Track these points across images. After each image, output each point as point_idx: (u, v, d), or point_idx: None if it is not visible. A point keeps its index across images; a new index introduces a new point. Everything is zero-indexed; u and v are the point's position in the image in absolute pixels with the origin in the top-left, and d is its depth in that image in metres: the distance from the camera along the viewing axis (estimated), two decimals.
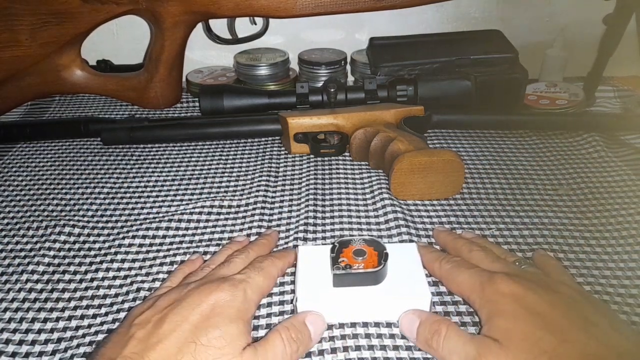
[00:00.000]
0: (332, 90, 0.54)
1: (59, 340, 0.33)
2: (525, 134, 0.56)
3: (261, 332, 0.33)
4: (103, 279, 0.38)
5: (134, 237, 0.42)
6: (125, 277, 0.38)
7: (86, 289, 0.37)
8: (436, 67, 0.59)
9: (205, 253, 0.40)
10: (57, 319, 0.34)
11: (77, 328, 0.34)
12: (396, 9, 0.59)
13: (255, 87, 0.66)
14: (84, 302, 0.36)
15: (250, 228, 0.43)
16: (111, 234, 0.42)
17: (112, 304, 0.36)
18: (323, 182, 0.49)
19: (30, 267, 0.39)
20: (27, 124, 0.58)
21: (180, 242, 0.41)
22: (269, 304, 0.35)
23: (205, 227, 0.43)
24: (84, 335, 0.33)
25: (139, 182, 0.50)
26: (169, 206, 0.46)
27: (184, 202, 0.46)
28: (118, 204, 0.46)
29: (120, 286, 0.37)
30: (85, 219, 0.44)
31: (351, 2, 0.56)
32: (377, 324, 0.33)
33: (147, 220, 0.44)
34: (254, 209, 0.45)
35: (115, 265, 0.39)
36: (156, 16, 0.57)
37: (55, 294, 0.37)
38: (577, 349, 0.26)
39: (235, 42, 0.65)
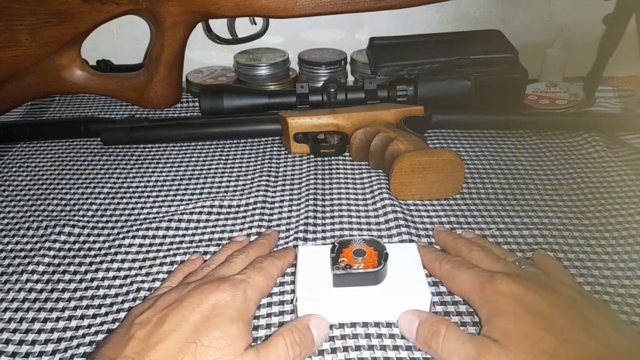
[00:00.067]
0: (332, 90, 0.54)
1: (59, 340, 0.33)
2: (525, 134, 0.56)
3: (261, 332, 0.33)
4: (103, 279, 0.38)
5: (134, 237, 0.42)
6: (125, 277, 0.38)
7: (86, 289, 0.37)
8: (436, 67, 0.59)
9: (205, 253, 0.40)
10: (57, 319, 0.34)
11: (77, 328, 0.34)
12: (396, 9, 0.59)
13: (255, 87, 0.66)
14: (84, 302, 0.36)
15: (250, 228, 0.43)
16: (111, 234, 0.42)
17: (112, 304, 0.36)
18: (323, 182, 0.49)
19: (30, 267, 0.39)
20: (27, 124, 0.58)
21: (180, 242, 0.41)
22: (269, 304, 0.35)
23: (205, 227, 0.43)
24: (84, 335, 0.33)
25: (139, 182, 0.50)
26: (169, 206, 0.46)
27: (184, 202, 0.46)
28: (118, 204, 0.46)
29: (120, 286, 0.37)
30: (85, 219, 0.44)
31: (351, 2, 0.56)
32: (377, 324, 0.33)
33: (147, 220, 0.44)
34: (254, 209, 0.45)
35: (115, 265, 0.39)
36: (156, 16, 0.57)
37: (55, 294, 0.37)
38: (577, 349, 0.26)
39: (235, 42, 0.65)
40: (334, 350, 0.31)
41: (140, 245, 0.41)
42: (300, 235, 0.41)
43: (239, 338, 0.29)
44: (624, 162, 0.50)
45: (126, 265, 0.39)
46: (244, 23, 0.63)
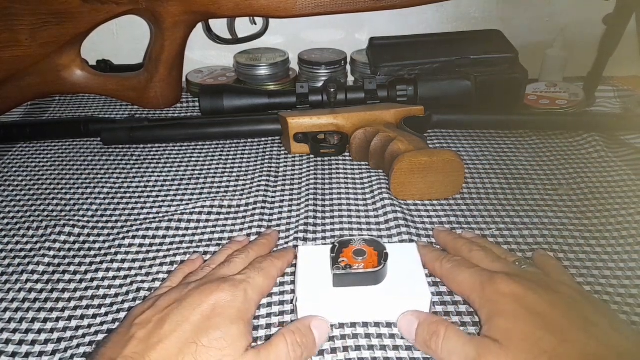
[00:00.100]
0: (332, 90, 0.54)
1: (59, 340, 0.33)
2: (525, 134, 0.56)
3: (261, 332, 0.33)
4: (103, 279, 0.38)
5: (134, 237, 0.42)
6: (125, 277, 0.38)
7: (86, 289, 0.37)
8: (436, 67, 0.59)
9: (205, 253, 0.40)
10: (57, 319, 0.34)
11: (77, 328, 0.34)
12: (396, 9, 0.59)
13: (255, 87, 0.66)
14: (84, 302, 0.36)
15: (250, 228, 0.43)
16: (111, 234, 0.42)
17: (112, 304, 0.36)
18: (323, 182, 0.49)
19: (30, 267, 0.39)
20: (27, 124, 0.58)
21: (180, 242, 0.41)
22: (269, 304, 0.35)
23: (205, 227, 0.43)
24: (84, 335, 0.33)
25: (139, 182, 0.50)
26: (169, 206, 0.46)
27: (184, 202, 0.46)
28: (118, 204, 0.46)
29: (120, 286, 0.37)
30: (85, 219, 0.44)
31: (351, 2, 0.56)
32: (377, 324, 0.33)
33: (147, 220, 0.44)
34: (254, 209, 0.45)
35: (115, 265, 0.39)
36: (156, 16, 0.57)
37: (55, 294, 0.37)
38: (577, 349, 0.26)
39: (235, 42, 0.65)
40: (334, 350, 0.31)
41: (140, 245, 0.41)
42: (300, 235, 0.41)
43: (239, 338, 0.29)
44: (624, 162, 0.50)
45: (126, 265, 0.39)
46: (244, 23, 0.63)
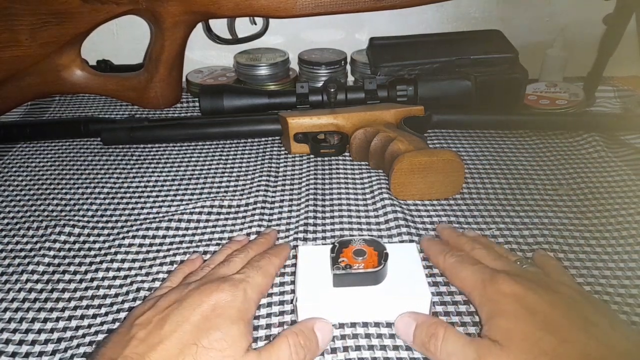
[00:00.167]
0: (332, 90, 0.54)
1: (59, 340, 0.33)
2: (525, 134, 0.56)
3: (261, 332, 0.33)
4: (103, 279, 0.38)
5: (134, 237, 0.42)
6: (125, 277, 0.38)
7: (86, 289, 0.37)
8: (436, 67, 0.59)
9: (205, 253, 0.40)
10: (57, 319, 0.34)
11: (77, 328, 0.34)
12: (396, 9, 0.59)
13: (255, 87, 0.66)
14: (84, 302, 0.36)
15: (250, 228, 0.43)
16: (111, 234, 0.42)
17: (112, 304, 0.36)
18: (323, 182, 0.49)
19: (30, 267, 0.39)
20: (27, 124, 0.58)
21: (180, 242, 0.41)
22: (269, 304, 0.35)
23: (205, 227, 0.43)
24: (84, 335, 0.33)
25: (139, 182, 0.50)
26: (169, 206, 0.46)
27: (184, 202, 0.46)
28: (118, 204, 0.46)
29: (120, 286, 0.37)
30: (85, 219, 0.44)
31: (351, 2, 0.56)
32: (377, 324, 0.33)
33: (147, 220, 0.44)
34: (254, 209, 0.45)
35: (115, 265, 0.39)
36: (156, 16, 0.57)
37: (55, 294, 0.37)
38: (577, 349, 0.26)
39: (235, 42, 0.65)
40: (334, 350, 0.31)
41: (140, 245, 0.41)
42: (300, 235, 0.41)
43: (239, 339, 0.29)
44: (624, 162, 0.50)
45: (126, 265, 0.39)
46: (244, 23, 0.63)
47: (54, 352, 0.32)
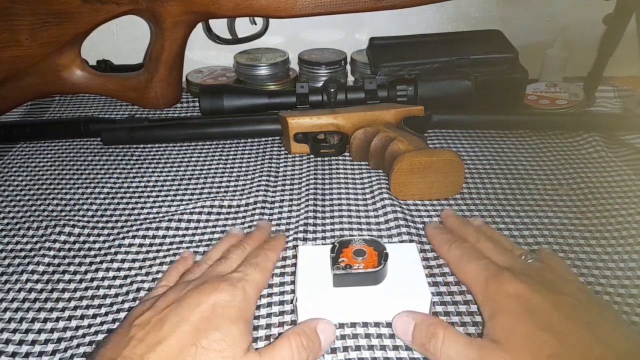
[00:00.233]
0: (332, 90, 0.54)
1: (59, 340, 0.33)
2: (525, 134, 0.56)
3: (261, 332, 0.33)
4: (103, 279, 0.38)
5: (134, 237, 0.42)
6: (125, 277, 0.38)
7: (86, 289, 0.37)
8: (436, 67, 0.59)
9: (205, 253, 0.40)
10: (57, 319, 0.34)
11: (77, 328, 0.34)
12: (396, 9, 0.59)
13: (255, 87, 0.66)
14: (84, 302, 0.36)
15: (250, 228, 0.43)
16: (111, 234, 0.42)
17: (112, 304, 0.36)
18: (323, 182, 0.49)
19: (30, 267, 0.39)
20: (27, 124, 0.58)
21: (180, 242, 0.41)
22: (269, 304, 0.35)
23: (205, 227, 0.43)
24: (84, 335, 0.33)
25: (139, 182, 0.50)
26: (169, 206, 0.46)
27: (184, 202, 0.46)
28: (118, 204, 0.46)
29: (120, 286, 0.37)
30: (85, 219, 0.44)
31: (351, 2, 0.56)
32: (377, 324, 0.33)
33: (147, 220, 0.44)
34: (254, 209, 0.45)
35: (115, 265, 0.39)
36: (156, 16, 0.57)
37: (55, 294, 0.37)
38: (579, 351, 0.26)
39: (235, 42, 0.65)
40: (333, 350, 0.31)
41: (140, 245, 0.41)
42: (300, 235, 0.41)
43: (239, 339, 0.28)
44: (624, 162, 0.50)
45: (126, 265, 0.39)
46: (244, 23, 0.63)
47: (54, 352, 0.32)
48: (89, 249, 0.41)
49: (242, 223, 0.43)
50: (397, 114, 0.52)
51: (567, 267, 0.35)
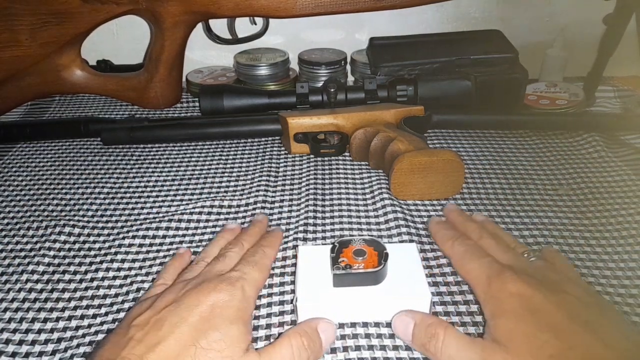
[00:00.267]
0: (332, 90, 0.54)
1: (59, 340, 0.33)
2: (525, 134, 0.56)
3: (261, 332, 0.33)
4: (103, 279, 0.38)
5: (134, 237, 0.42)
6: (125, 277, 0.38)
7: (86, 289, 0.37)
8: (436, 67, 0.59)
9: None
10: (57, 319, 0.34)
11: (77, 328, 0.34)
12: (396, 9, 0.59)
13: (255, 87, 0.66)
14: (84, 302, 0.36)
15: None
16: (111, 234, 0.42)
17: (112, 304, 0.36)
18: (323, 182, 0.49)
19: (30, 267, 0.39)
20: (27, 124, 0.58)
21: (180, 242, 0.41)
22: (269, 304, 0.35)
23: (205, 227, 0.43)
24: (84, 335, 0.33)
25: (139, 182, 0.50)
26: (169, 206, 0.46)
27: (184, 202, 0.46)
28: (118, 204, 0.46)
29: (120, 286, 0.37)
30: (85, 219, 0.44)
31: (351, 2, 0.56)
32: (377, 324, 0.33)
33: (147, 220, 0.44)
34: (254, 209, 0.45)
35: (115, 265, 0.39)
36: (156, 16, 0.57)
37: (55, 294, 0.37)
38: (581, 352, 0.26)
39: (235, 42, 0.65)
40: (333, 350, 0.31)
41: (140, 245, 0.41)
42: (300, 235, 0.41)
43: (238, 339, 0.28)
44: (624, 162, 0.50)
45: (126, 265, 0.39)
46: (244, 23, 0.63)
47: (54, 352, 0.32)
48: (89, 249, 0.41)
49: (242, 223, 0.43)
50: (397, 114, 0.52)
51: (570, 265, 0.35)
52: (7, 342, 0.33)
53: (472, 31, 0.67)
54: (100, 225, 0.43)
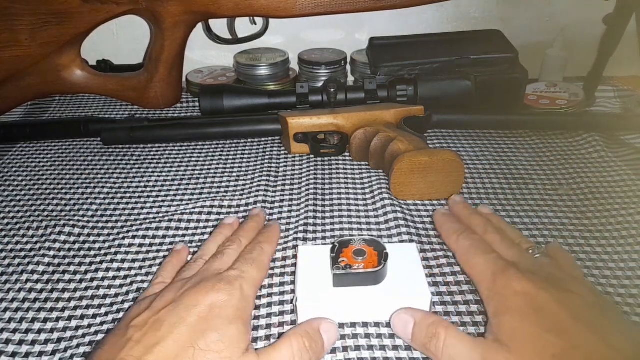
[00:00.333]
0: (332, 90, 0.54)
1: (59, 340, 0.33)
2: (525, 134, 0.56)
3: (261, 332, 0.33)
4: (103, 279, 0.38)
5: (134, 237, 0.42)
6: (125, 277, 0.38)
7: (86, 289, 0.37)
8: (436, 67, 0.59)
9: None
10: (57, 319, 0.34)
11: (77, 328, 0.34)
12: (396, 9, 0.59)
13: (255, 87, 0.66)
14: (84, 302, 0.36)
15: None
16: (111, 234, 0.42)
17: (112, 304, 0.36)
18: (323, 182, 0.49)
19: (30, 267, 0.39)
20: (27, 124, 0.58)
21: (180, 242, 0.41)
22: (269, 304, 0.35)
23: (205, 227, 0.43)
24: (84, 335, 0.33)
25: (139, 182, 0.50)
26: (169, 206, 0.46)
27: (184, 202, 0.46)
28: (118, 204, 0.46)
29: (120, 286, 0.37)
30: (85, 219, 0.44)
31: (351, 2, 0.56)
32: (377, 324, 0.33)
33: (147, 220, 0.44)
34: (254, 209, 0.45)
35: (115, 265, 0.39)
36: (156, 16, 0.57)
37: (55, 294, 0.37)
38: (585, 352, 0.26)
39: (235, 42, 0.65)
40: (333, 351, 0.31)
41: (140, 245, 0.41)
42: (300, 235, 0.41)
43: (237, 340, 0.28)
44: (624, 162, 0.50)
45: (126, 265, 0.39)
46: (244, 23, 0.63)
47: (54, 352, 0.32)
48: (89, 249, 0.41)
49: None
50: (397, 114, 0.52)
51: (574, 262, 0.35)
52: (7, 342, 0.33)
53: (472, 31, 0.67)
54: (100, 225, 0.43)
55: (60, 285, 0.37)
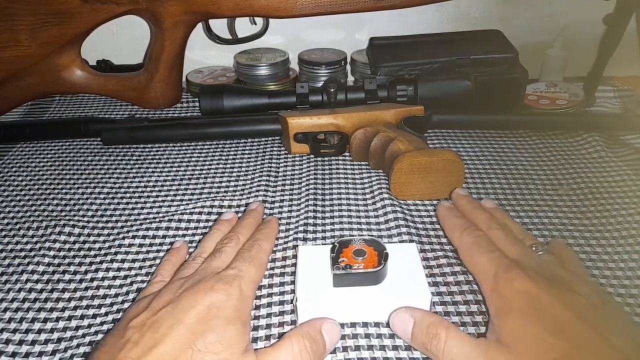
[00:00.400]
0: (332, 90, 0.54)
1: (59, 340, 0.33)
2: (525, 134, 0.56)
3: (261, 332, 0.33)
4: (103, 279, 0.38)
5: (134, 237, 0.42)
6: (125, 277, 0.38)
7: (86, 289, 0.37)
8: (436, 67, 0.59)
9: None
10: (57, 319, 0.34)
11: (77, 328, 0.34)
12: (396, 9, 0.59)
13: (255, 87, 0.66)
14: (84, 302, 0.36)
15: None
16: (111, 234, 0.42)
17: (112, 304, 0.36)
18: (323, 182, 0.49)
19: (30, 267, 0.39)
20: (27, 124, 0.58)
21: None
22: (269, 304, 0.35)
23: (205, 227, 0.43)
24: (84, 335, 0.33)
25: (139, 182, 0.50)
26: (169, 206, 0.46)
27: (184, 202, 0.46)
28: (118, 204, 0.46)
29: (120, 286, 0.37)
30: (85, 219, 0.44)
31: (351, 2, 0.57)
32: (377, 324, 0.33)
33: (147, 220, 0.44)
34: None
35: (115, 265, 0.39)
36: (156, 16, 0.57)
37: (55, 294, 0.37)
38: (587, 354, 0.26)
39: (235, 42, 0.65)
40: (333, 350, 0.31)
41: (140, 245, 0.41)
42: (300, 235, 0.41)
43: (236, 340, 0.28)
44: (624, 162, 0.50)
45: (126, 265, 0.39)
46: (244, 23, 0.63)
47: (54, 352, 0.32)
48: (89, 249, 0.41)
49: None
50: (397, 114, 0.52)
51: (578, 260, 0.35)
52: (7, 342, 0.33)
53: (472, 31, 0.67)
54: (100, 225, 0.44)
55: (60, 285, 0.37)
